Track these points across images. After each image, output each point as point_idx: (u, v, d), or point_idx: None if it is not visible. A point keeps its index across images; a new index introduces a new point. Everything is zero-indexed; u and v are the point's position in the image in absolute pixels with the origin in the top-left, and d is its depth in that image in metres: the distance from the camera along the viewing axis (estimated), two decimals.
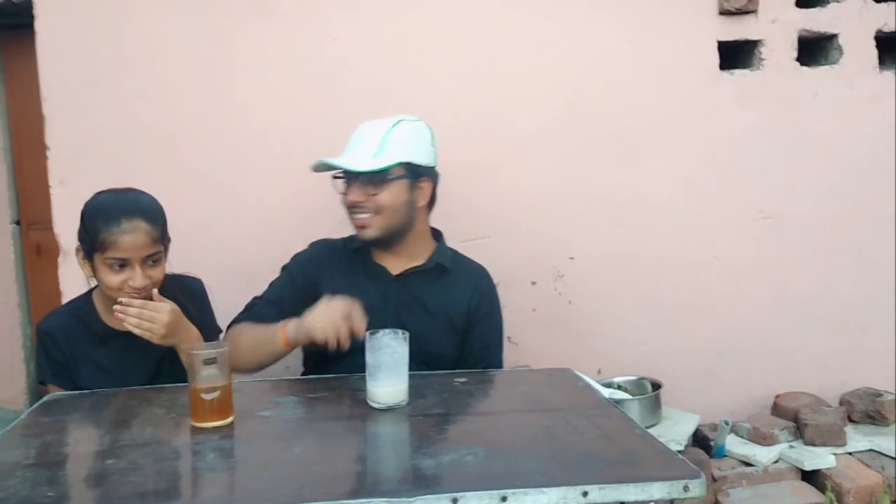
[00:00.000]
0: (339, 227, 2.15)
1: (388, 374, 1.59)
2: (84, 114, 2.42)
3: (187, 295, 1.98)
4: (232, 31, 2.48)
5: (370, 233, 1.99)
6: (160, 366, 1.93)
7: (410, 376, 1.64)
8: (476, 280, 2.13)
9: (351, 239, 2.10)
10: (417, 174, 2.01)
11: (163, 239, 1.85)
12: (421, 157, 2.01)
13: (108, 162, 2.41)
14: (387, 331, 1.63)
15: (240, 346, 1.87)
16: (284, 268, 2.11)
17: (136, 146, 2.43)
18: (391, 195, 1.96)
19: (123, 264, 1.78)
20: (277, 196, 2.51)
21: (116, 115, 2.44)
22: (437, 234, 2.16)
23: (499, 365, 2.13)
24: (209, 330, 2.00)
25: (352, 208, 1.99)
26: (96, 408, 1.65)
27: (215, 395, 1.50)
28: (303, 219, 2.43)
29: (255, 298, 2.07)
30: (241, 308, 2.08)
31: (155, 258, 1.83)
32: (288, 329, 1.83)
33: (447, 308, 2.05)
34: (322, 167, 2.00)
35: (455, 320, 2.06)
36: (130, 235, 1.77)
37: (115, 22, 2.44)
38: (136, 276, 1.79)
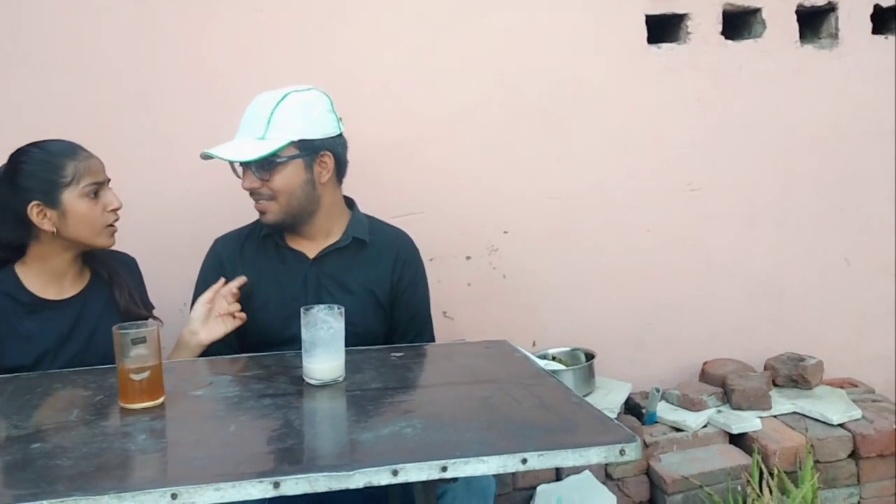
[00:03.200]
0: None
1: (325, 349, 1.57)
2: (1, 88, 2.31)
3: (125, 267, 1.98)
4: (154, 1, 2.39)
5: (270, 218, 1.93)
6: (94, 333, 1.87)
7: (346, 352, 1.62)
8: (397, 249, 2.06)
9: (259, 227, 2.04)
10: (314, 150, 1.90)
11: None
12: (316, 131, 1.90)
13: (24, 138, 2.30)
14: (322, 306, 1.60)
15: None
16: (200, 280, 2.02)
17: (54, 122, 2.32)
18: (285, 179, 1.88)
19: (97, 190, 1.80)
20: (204, 174, 2.41)
21: (36, 89, 2.33)
22: (349, 203, 2.09)
23: (430, 333, 2.11)
24: (145, 304, 1.98)
25: (250, 195, 1.93)
26: (19, 392, 1.59)
27: (145, 375, 1.46)
28: (231, 197, 2.35)
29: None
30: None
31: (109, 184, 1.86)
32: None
33: (370, 284, 2.00)
34: (206, 158, 1.91)
35: (380, 295, 2.01)
36: (94, 160, 1.82)
37: None
38: (113, 198, 1.83)
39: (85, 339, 1.86)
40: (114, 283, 1.93)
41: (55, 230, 1.79)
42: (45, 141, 1.83)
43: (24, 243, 1.84)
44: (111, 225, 1.83)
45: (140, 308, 1.94)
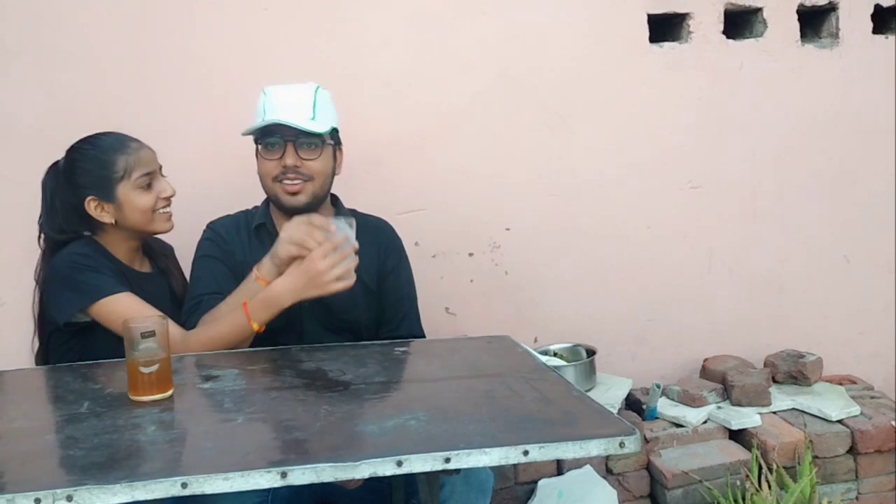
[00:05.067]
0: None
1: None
2: (6, 82, 2.34)
3: (169, 252, 2.10)
4: None
5: (302, 199, 1.95)
6: (170, 308, 1.91)
7: (351, 346, 1.65)
8: (379, 236, 2.12)
9: (251, 216, 2.07)
10: (337, 142, 2.02)
11: None
12: (339, 125, 2.02)
13: (32, 133, 2.33)
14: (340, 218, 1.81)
15: (215, 345, 1.83)
16: (205, 257, 2.02)
17: (59, 116, 2.34)
18: (323, 161, 1.95)
19: (150, 180, 1.87)
20: (201, 168, 2.44)
21: (39, 84, 2.36)
22: (333, 199, 2.13)
23: (415, 316, 2.14)
24: (186, 289, 2.05)
25: (282, 174, 1.93)
26: (31, 384, 1.62)
27: (154, 368, 1.48)
28: (227, 190, 2.37)
29: (195, 298, 1.97)
30: None
31: (162, 172, 1.93)
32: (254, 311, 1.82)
33: (359, 272, 1.98)
34: (269, 125, 1.91)
35: (367, 282, 2.05)
36: (144, 150, 1.89)
37: None
38: (166, 186, 1.90)
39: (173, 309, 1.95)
40: (170, 273, 2.05)
41: (114, 221, 1.88)
42: (97, 135, 1.90)
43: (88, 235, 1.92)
44: (164, 210, 1.91)
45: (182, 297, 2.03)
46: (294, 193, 1.94)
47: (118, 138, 1.89)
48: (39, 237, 1.94)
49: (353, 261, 1.80)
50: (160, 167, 1.94)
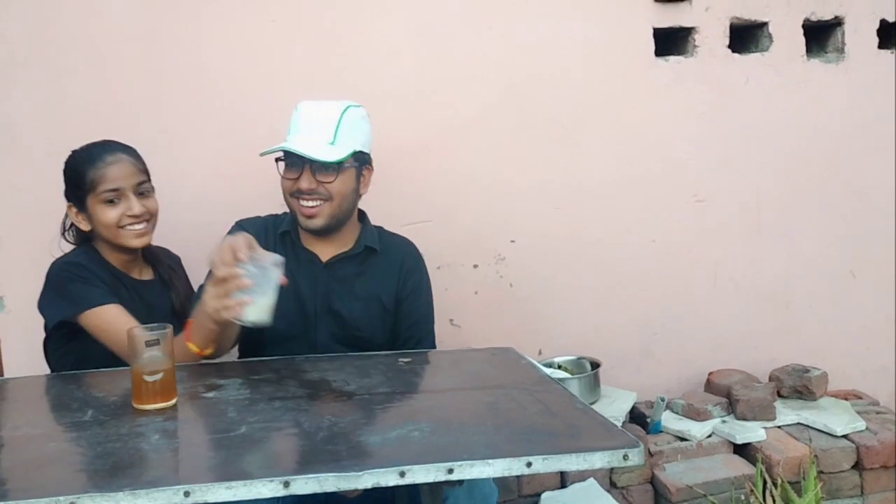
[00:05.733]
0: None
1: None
2: (13, 91, 2.35)
3: (176, 263, 2.09)
4: (167, 10, 2.43)
5: (318, 222, 1.95)
6: (169, 318, 1.92)
7: (356, 356, 1.64)
8: (403, 257, 2.12)
9: (279, 221, 2.08)
10: (363, 162, 2.01)
11: (147, 173, 1.94)
12: (367, 145, 2.01)
13: (38, 141, 2.34)
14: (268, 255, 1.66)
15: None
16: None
17: (66, 125, 2.35)
18: (343, 184, 1.95)
19: (117, 197, 1.86)
20: (212, 181, 2.46)
21: (47, 94, 2.37)
22: (361, 215, 2.14)
23: (431, 340, 2.13)
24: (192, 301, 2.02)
25: (299, 194, 1.94)
26: (35, 392, 1.62)
27: (158, 377, 1.48)
28: (238, 205, 2.37)
29: (199, 288, 1.96)
30: None
31: (144, 188, 1.92)
32: (194, 330, 1.76)
33: (377, 290, 2.05)
34: (279, 153, 1.94)
35: (385, 301, 2.06)
36: (116, 166, 1.87)
37: None
38: (133, 204, 1.87)
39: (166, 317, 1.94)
40: (171, 284, 2.04)
41: (91, 229, 1.91)
42: (89, 144, 1.93)
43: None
44: (130, 227, 1.89)
45: (189, 309, 1.99)
46: (311, 217, 1.95)
47: (98, 150, 1.90)
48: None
49: (266, 296, 1.63)
50: (140, 182, 1.91)
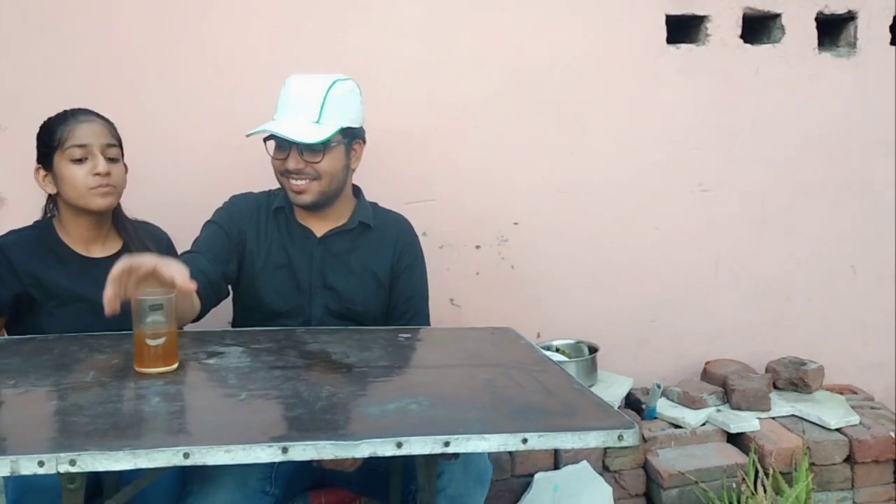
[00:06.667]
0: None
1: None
2: (25, 56, 2.35)
3: (154, 240, 2.02)
4: None
5: (307, 198, 1.96)
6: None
7: (356, 330, 1.66)
8: (397, 232, 2.13)
9: (272, 197, 2.08)
10: (352, 137, 1.99)
11: (119, 142, 1.91)
12: (356, 120, 1.99)
13: (49, 106, 2.31)
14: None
15: None
16: (210, 222, 2.04)
17: (78, 91, 2.35)
18: (331, 162, 1.94)
19: (84, 154, 1.84)
20: (217, 150, 2.45)
21: (61, 60, 2.37)
22: (356, 191, 2.14)
23: (425, 315, 2.15)
24: None
25: (288, 174, 1.94)
26: (36, 352, 1.63)
27: (160, 341, 1.49)
28: (243, 175, 2.35)
29: (185, 253, 1.98)
30: None
31: (112, 153, 1.89)
32: None
33: (372, 265, 2.06)
34: (262, 135, 1.94)
35: (380, 276, 2.07)
36: (87, 125, 1.86)
37: None
38: (99, 162, 1.84)
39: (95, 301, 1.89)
40: (135, 252, 1.96)
41: (56, 192, 1.89)
42: (66, 110, 1.91)
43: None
44: (97, 188, 1.85)
45: None
46: (300, 192, 1.95)
47: (74, 112, 1.89)
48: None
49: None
50: (110, 145, 1.88)
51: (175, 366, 1.52)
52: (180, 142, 2.45)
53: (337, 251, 2.05)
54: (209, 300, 1.90)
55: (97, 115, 1.91)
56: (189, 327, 1.90)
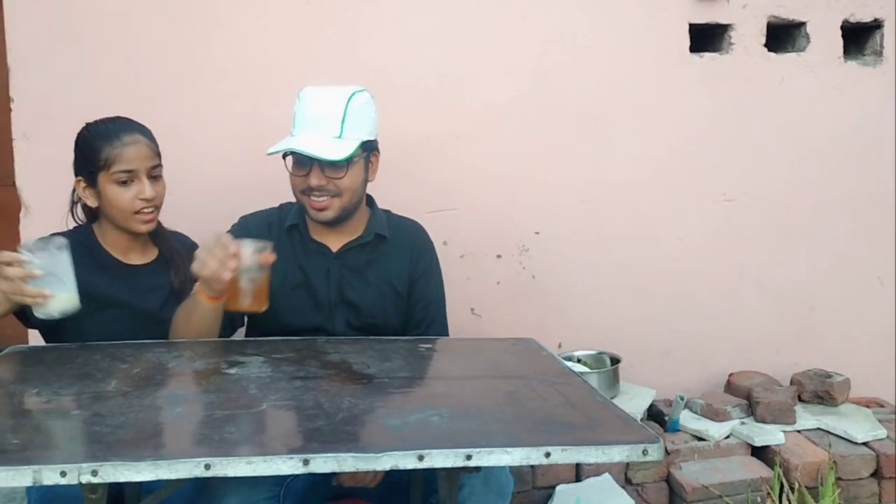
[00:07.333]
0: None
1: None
2: (51, 66, 2.37)
3: (187, 249, 2.01)
4: None
5: (329, 215, 1.93)
6: (167, 297, 1.94)
7: (377, 340, 1.65)
8: (412, 240, 2.10)
9: (284, 213, 2.05)
10: (371, 150, 1.97)
11: (160, 156, 1.93)
12: (372, 132, 1.95)
13: (73, 116, 2.32)
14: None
15: (178, 327, 1.84)
16: None
17: (103, 101, 2.36)
18: (352, 177, 1.91)
19: (130, 178, 1.85)
20: (239, 160, 2.45)
21: (84, 69, 2.39)
22: (369, 200, 2.11)
23: (443, 323, 2.12)
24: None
25: (309, 192, 1.91)
26: (60, 361, 1.64)
27: (255, 283, 1.70)
28: (265, 182, 2.35)
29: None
30: None
31: (157, 172, 1.91)
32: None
33: (389, 276, 2.04)
34: (283, 153, 1.91)
35: (398, 286, 2.04)
36: (133, 147, 1.85)
37: None
38: (146, 187, 1.86)
39: (134, 307, 1.92)
40: (172, 263, 1.99)
41: (97, 206, 1.90)
42: (103, 119, 1.91)
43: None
44: (140, 212, 1.87)
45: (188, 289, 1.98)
46: (321, 209, 1.92)
47: (116, 127, 1.87)
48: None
49: (64, 284, 1.68)
50: (154, 166, 1.89)
51: (265, 308, 1.74)
52: (202, 149, 2.46)
53: (354, 265, 2.02)
54: (225, 330, 1.90)
55: (140, 130, 1.89)
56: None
